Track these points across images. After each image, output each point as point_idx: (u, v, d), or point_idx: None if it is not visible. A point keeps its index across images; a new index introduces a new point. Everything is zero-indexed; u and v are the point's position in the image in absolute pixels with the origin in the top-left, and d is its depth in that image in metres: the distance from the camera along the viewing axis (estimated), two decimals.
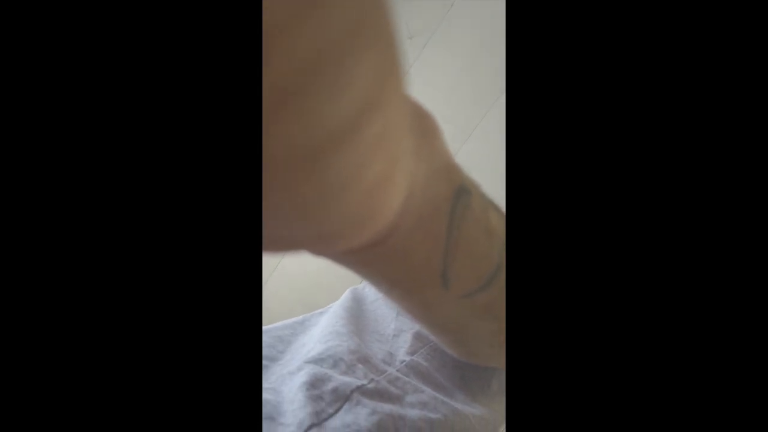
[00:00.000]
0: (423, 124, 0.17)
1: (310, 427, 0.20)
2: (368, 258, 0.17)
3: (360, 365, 0.24)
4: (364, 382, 0.23)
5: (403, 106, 0.12)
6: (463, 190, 0.18)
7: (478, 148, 1.16)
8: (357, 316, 0.30)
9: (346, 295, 0.33)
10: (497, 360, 0.27)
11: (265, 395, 0.22)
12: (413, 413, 0.23)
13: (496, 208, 0.21)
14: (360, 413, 0.21)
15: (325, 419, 0.21)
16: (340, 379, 0.23)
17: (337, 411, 0.21)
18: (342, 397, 0.22)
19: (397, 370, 0.26)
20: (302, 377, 0.22)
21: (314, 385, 0.22)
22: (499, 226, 0.20)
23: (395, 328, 0.30)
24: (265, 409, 0.21)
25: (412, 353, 0.28)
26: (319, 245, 0.15)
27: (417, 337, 0.29)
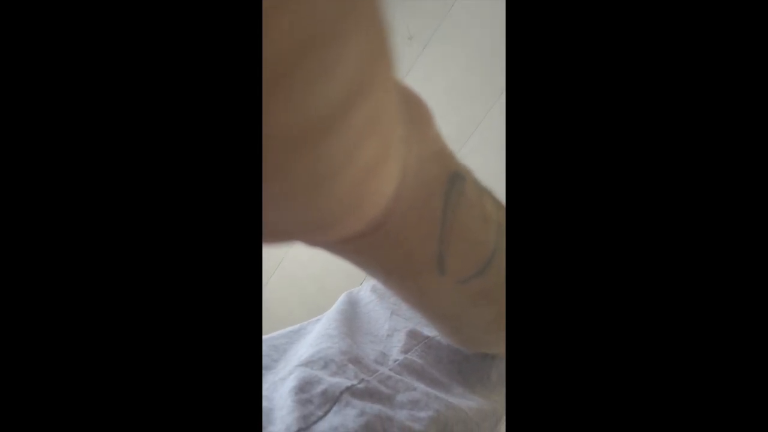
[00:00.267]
0: (415, 110, 0.17)
1: (297, 431, 0.20)
2: (363, 246, 0.17)
3: (351, 365, 0.24)
4: (354, 382, 0.23)
5: (392, 91, 0.12)
6: (457, 176, 0.18)
7: (479, 148, 1.16)
8: (350, 318, 0.30)
9: (341, 299, 0.33)
10: (495, 346, 0.27)
11: None
12: (402, 414, 0.23)
13: (490, 194, 0.21)
14: (348, 415, 0.21)
15: (313, 422, 0.21)
16: (329, 380, 0.23)
17: (325, 414, 0.21)
18: (331, 399, 0.22)
19: (390, 369, 0.26)
20: (291, 381, 0.22)
21: (303, 388, 0.22)
22: (494, 212, 0.20)
23: (389, 327, 0.30)
24: None
25: (405, 351, 0.28)
26: (312, 234, 0.14)
27: (411, 335, 0.29)
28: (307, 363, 0.24)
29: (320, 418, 0.21)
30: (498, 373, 0.30)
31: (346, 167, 0.12)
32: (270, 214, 0.12)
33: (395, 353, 0.27)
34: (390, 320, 0.30)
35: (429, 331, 0.29)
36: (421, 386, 0.25)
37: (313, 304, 1.32)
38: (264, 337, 0.29)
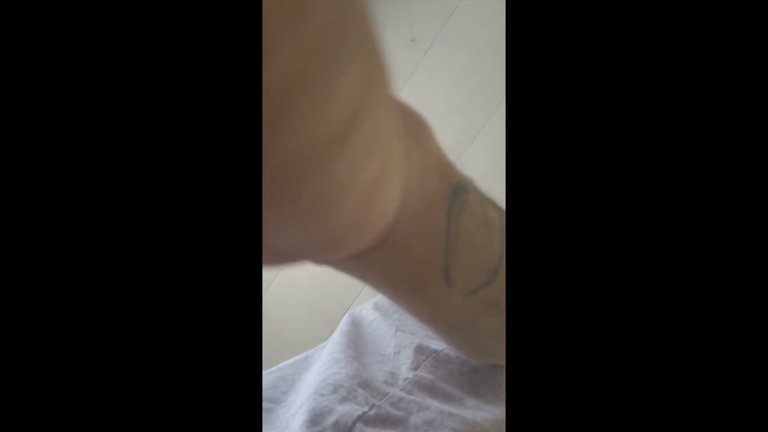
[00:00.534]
0: (413, 125, 0.17)
1: None
2: (369, 262, 0.17)
3: (360, 390, 0.24)
4: (365, 409, 0.23)
5: (391, 109, 0.13)
6: (459, 188, 0.18)
7: (482, 151, 1.16)
8: (355, 340, 0.30)
9: (344, 321, 0.33)
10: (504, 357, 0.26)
11: None
12: None
13: (493, 203, 0.21)
14: None
15: None
16: (340, 410, 0.22)
17: None
18: (344, 430, 0.22)
19: (401, 389, 0.26)
20: (302, 415, 0.22)
21: (314, 421, 0.22)
22: (498, 220, 0.20)
23: (395, 345, 0.30)
24: None
25: (414, 368, 0.27)
26: (320, 253, 0.15)
27: (418, 350, 0.29)
28: (316, 391, 0.24)
29: None
30: None
31: (350, 187, 0.12)
32: (277, 238, 0.12)
33: (404, 371, 0.27)
34: (395, 337, 0.30)
35: (436, 344, 0.29)
36: (434, 404, 0.25)
37: (314, 307, 1.32)
38: (272, 368, 0.29)
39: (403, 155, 0.15)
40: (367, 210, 0.13)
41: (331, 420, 0.22)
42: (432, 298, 0.20)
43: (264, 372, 0.29)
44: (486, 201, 0.20)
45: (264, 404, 0.26)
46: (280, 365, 0.30)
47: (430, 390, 0.26)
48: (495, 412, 0.27)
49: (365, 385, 0.25)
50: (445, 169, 0.18)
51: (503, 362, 0.28)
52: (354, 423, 0.22)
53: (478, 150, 1.17)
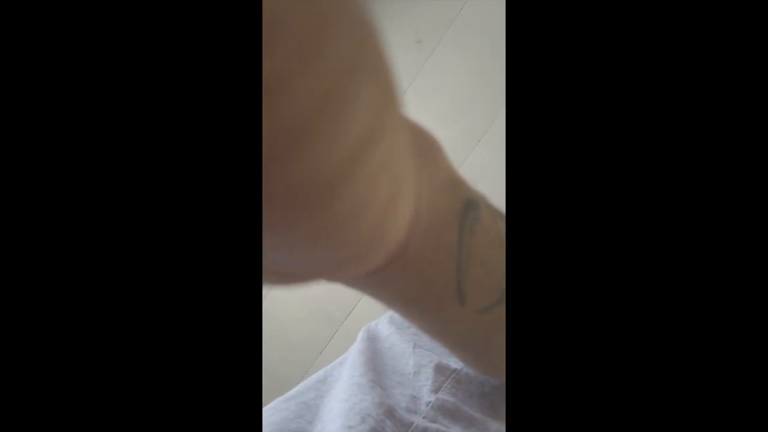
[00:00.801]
0: (424, 144, 0.17)
1: None
2: (381, 279, 0.17)
3: (387, 420, 0.24)
4: None
5: (403, 130, 0.13)
6: (470, 205, 0.18)
7: (487, 152, 1.16)
8: (373, 358, 0.30)
9: (360, 337, 0.33)
10: None
11: None
12: None
13: (505, 218, 0.21)
14: None
15: None
16: None
17: None
18: None
19: (424, 417, 0.26)
20: None
21: None
22: None
23: (414, 363, 0.30)
24: None
25: (435, 390, 0.27)
26: (334, 272, 0.15)
27: (438, 370, 0.28)
28: (344, 423, 0.24)
29: None
30: None
31: (365, 208, 0.12)
32: (292, 260, 0.13)
33: (426, 394, 0.27)
34: (414, 355, 0.30)
35: (455, 362, 0.29)
36: (459, 431, 0.25)
37: (314, 308, 1.32)
38: (292, 392, 0.29)
39: (414, 174, 0.15)
40: (381, 229, 0.14)
41: None
42: (444, 315, 0.20)
43: (284, 397, 0.29)
44: (498, 217, 0.20)
45: None
46: (299, 388, 0.30)
47: (453, 415, 0.26)
48: None
49: (390, 413, 0.25)
50: (456, 186, 0.18)
51: None
52: None
53: (482, 152, 1.16)
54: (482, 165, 1.15)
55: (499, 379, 0.28)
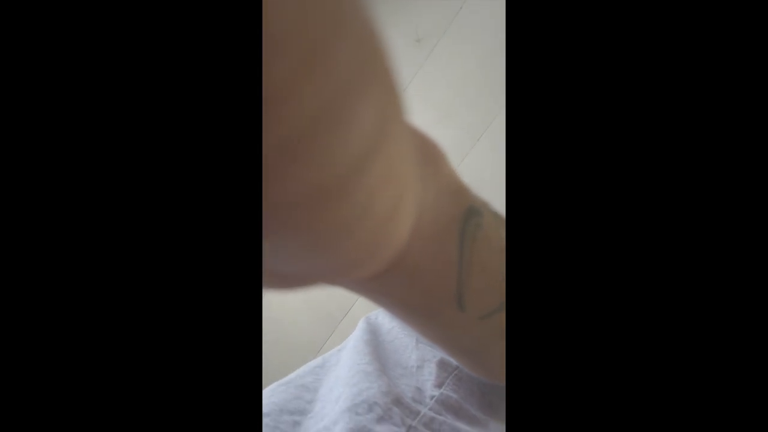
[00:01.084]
0: (427, 151, 0.17)
1: None
2: (382, 285, 0.17)
3: (395, 408, 0.24)
4: (403, 430, 0.23)
5: (406, 137, 0.13)
6: (472, 211, 0.19)
7: (487, 151, 1.16)
8: (377, 349, 0.30)
9: (361, 327, 0.33)
10: None
11: None
12: None
13: (505, 219, 0.21)
14: None
15: None
16: (378, 430, 0.23)
17: None
18: None
19: (429, 409, 0.26)
20: (341, 431, 0.22)
21: None
22: None
23: (417, 358, 0.30)
24: None
25: (439, 385, 0.28)
26: (334, 277, 0.15)
27: (441, 366, 0.29)
28: (351, 408, 0.24)
29: None
30: None
31: (367, 215, 0.12)
32: (294, 265, 0.13)
33: (429, 388, 0.28)
34: (417, 349, 0.30)
35: None
36: (464, 427, 0.25)
37: (315, 309, 1.32)
38: (290, 376, 0.29)
39: (417, 181, 0.15)
40: (383, 236, 0.14)
41: None
42: (444, 321, 0.20)
43: (282, 381, 0.29)
44: (501, 224, 0.20)
45: (290, 417, 0.26)
46: (298, 372, 0.30)
47: (456, 411, 0.26)
48: None
49: (398, 402, 0.25)
50: (458, 192, 0.18)
51: None
52: None
53: (482, 150, 1.16)
54: (481, 163, 1.15)
55: (499, 383, 0.28)
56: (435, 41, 1.20)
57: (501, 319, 0.20)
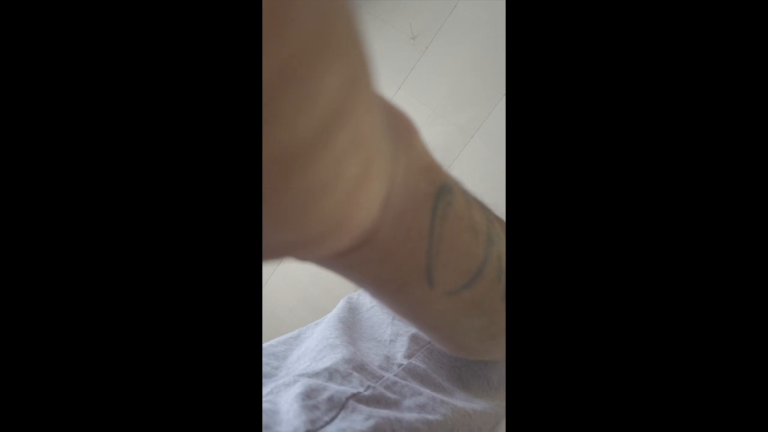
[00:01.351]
0: (399, 126, 0.17)
1: None
2: (352, 261, 0.17)
3: (355, 373, 0.24)
4: (360, 389, 0.23)
5: (375, 110, 0.13)
6: (444, 189, 0.18)
7: (482, 148, 1.16)
8: (351, 326, 0.30)
9: (341, 305, 0.34)
10: (489, 354, 0.27)
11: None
12: (410, 416, 0.23)
13: (479, 205, 0.21)
14: (355, 419, 0.21)
15: (321, 427, 0.21)
16: (335, 387, 0.23)
17: (332, 419, 0.21)
18: (337, 405, 0.22)
19: (395, 375, 0.26)
20: (297, 388, 0.22)
21: (309, 395, 0.22)
22: (483, 223, 0.20)
23: (392, 333, 0.30)
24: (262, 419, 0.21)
25: (409, 356, 0.28)
26: (302, 250, 0.15)
27: (413, 339, 0.29)
28: (312, 375, 0.24)
29: (327, 423, 0.21)
30: (498, 376, 0.30)
31: (332, 187, 0.12)
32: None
33: (399, 357, 0.28)
34: (392, 325, 0.31)
35: None
36: (427, 391, 0.25)
37: (312, 302, 1.32)
38: (264, 344, 0.29)
39: (387, 156, 0.15)
40: (349, 209, 0.13)
41: (325, 395, 0.22)
42: (413, 297, 0.20)
43: None
44: (472, 204, 0.20)
45: None
46: (271, 342, 0.30)
47: (423, 379, 0.27)
48: (483, 405, 0.27)
49: (360, 368, 0.25)
50: (430, 170, 0.18)
51: (485, 359, 0.29)
52: (347, 399, 0.22)
53: (477, 147, 1.17)
54: (476, 160, 1.16)
55: (468, 358, 0.29)
56: (430, 39, 1.20)
57: (468, 296, 0.20)
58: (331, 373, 0.24)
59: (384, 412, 0.22)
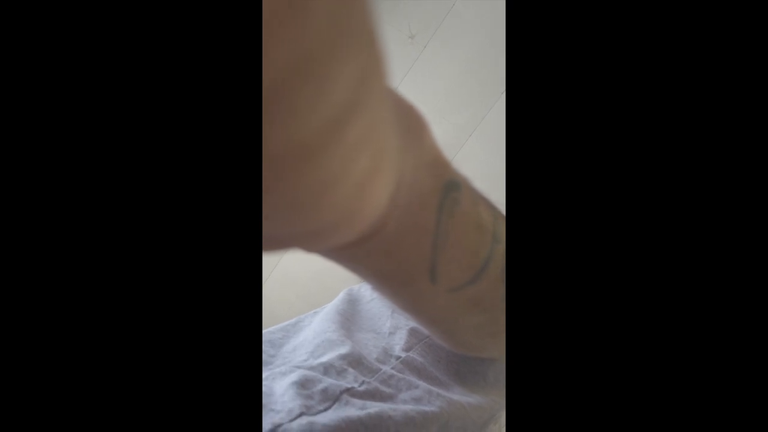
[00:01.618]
0: (410, 120, 0.17)
1: (300, 415, 0.20)
2: (357, 253, 0.17)
3: (351, 369, 0.24)
4: (355, 385, 0.23)
5: (387, 103, 0.13)
6: (451, 185, 0.18)
7: (480, 148, 1.16)
8: (350, 317, 0.30)
9: (341, 297, 0.33)
10: (487, 351, 0.27)
11: None
12: (405, 407, 0.23)
13: (486, 202, 0.21)
14: (350, 410, 0.21)
15: (315, 414, 0.21)
16: (330, 380, 0.23)
17: (326, 409, 0.21)
18: (331, 398, 0.22)
19: (392, 368, 0.26)
20: (293, 377, 0.23)
21: (304, 385, 0.22)
22: (489, 220, 0.20)
23: (391, 325, 0.30)
24: None
25: (407, 349, 0.28)
26: (310, 242, 0.15)
27: (412, 333, 0.29)
28: (307, 368, 0.24)
29: (321, 412, 0.21)
30: (494, 373, 0.30)
31: (342, 179, 0.12)
32: (267, 225, 0.12)
33: (397, 350, 0.28)
34: (392, 318, 0.30)
35: None
36: (424, 384, 0.25)
37: (312, 301, 1.32)
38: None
39: (397, 150, 0.15)
40: (358, 202, 0.13)
41: (320, 387, 0.22)
42: (416, 292, 0.20)
43: None
44: (479, 201, 0.20)
45: None
46: (270, 329, 0.30)
47: (420, 372, 0.27)
48: (479, 399, 0.27)
49: (357, 363, 0.25)
50: (439, 166, 0.18)
51: (484, 356, 0.29)
52: (341, 393, 0.22)
53: (474, 147, 1.17)
54: (474, 159, 1.16)
55: (467, 354, 0.29)
56: (428, 37, 1.20)
57: (470, 293, 0.20)
58: (326, 368, 0.24)
59: (378, 405, 0.22)
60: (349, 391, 0.23)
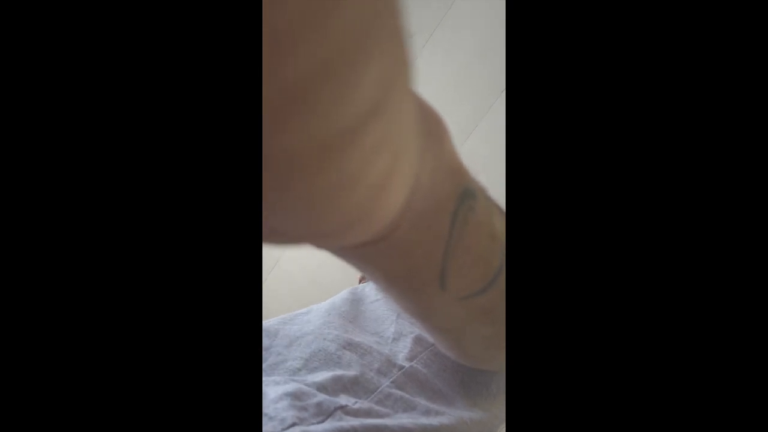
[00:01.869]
0: (430, 124, 0.17)
1: (293, 425, 0.20)
2: (368, 254, 0.17)
3: (343, 394, 0.24)
4: (349, 404, 0.23)
5: (409, 105, 0.13)
6: (467, 193, 0.18)
7: (479, 147, 1.16)
8: (353, 320, 0.30)
9: (344, 296, 0.33)
10: (493, 363, 0.27)
11: None
12: (403, 420, 0.23)
13: (501, 212, 0.21)
14: (343, 425, 0.21)
15: (308, 425, 0.21)
16: (324, 396, 0.23)
17: (319, 423, 0.21)
18: (325, 412, 0.22)
19: (392, 381, 0.26)
20: (288, 387, 0.22)
21: (299, 397, 0.22)
22: (502, 230, 0.20)
23: (395, 331, 0.30)
24: None
25: (411, 359, 0.28)
26: (323, 240, 0.15)
27: (417, 341, 0.29)
28: (301, 383, 0.24)
29: (313, 424, 0.21)
30: (497, 385, 0.30)
31: (361, 179, 0.12)
32: (286, 222, 0.13)
33: (401, 359, 0.28)
34: (396, 323, 0.30)
35: None
36: (422, 403, 0.25)
37: (310, 302, 1.32)
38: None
39: (416, 153, 0.15)
40: (373, 203, 0.13)
41: (314, 400, 0.22)
42: (424, 298, 0.20)
43: None
44: (494, 210, 0.20)
45: None
46: (266, 321, 0.30)
47: (422, 384, 0.26)
48: (480, 414, 0.27)
49: (353, 384, 0.25)
50: (456, 172, 0.18)
51: (489, 368, 0.29)
52: (335, 409, 0.22)
53: (475, 144, 1.17)
54: (473, 158, 1.16)
55: (471, 365, 0.29)
56: (427, 36, 1.20)
57: (479, 303, 0.20)
58: (319, 387, 0.24)
59: (371, 421, 0.22)
60: (344, 409, 0.23)
